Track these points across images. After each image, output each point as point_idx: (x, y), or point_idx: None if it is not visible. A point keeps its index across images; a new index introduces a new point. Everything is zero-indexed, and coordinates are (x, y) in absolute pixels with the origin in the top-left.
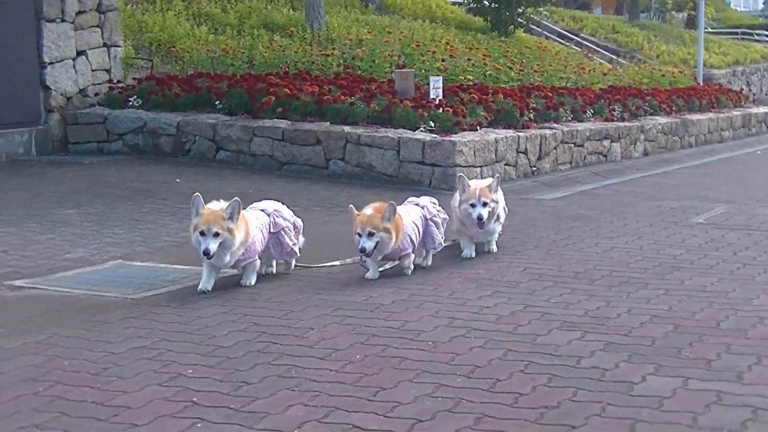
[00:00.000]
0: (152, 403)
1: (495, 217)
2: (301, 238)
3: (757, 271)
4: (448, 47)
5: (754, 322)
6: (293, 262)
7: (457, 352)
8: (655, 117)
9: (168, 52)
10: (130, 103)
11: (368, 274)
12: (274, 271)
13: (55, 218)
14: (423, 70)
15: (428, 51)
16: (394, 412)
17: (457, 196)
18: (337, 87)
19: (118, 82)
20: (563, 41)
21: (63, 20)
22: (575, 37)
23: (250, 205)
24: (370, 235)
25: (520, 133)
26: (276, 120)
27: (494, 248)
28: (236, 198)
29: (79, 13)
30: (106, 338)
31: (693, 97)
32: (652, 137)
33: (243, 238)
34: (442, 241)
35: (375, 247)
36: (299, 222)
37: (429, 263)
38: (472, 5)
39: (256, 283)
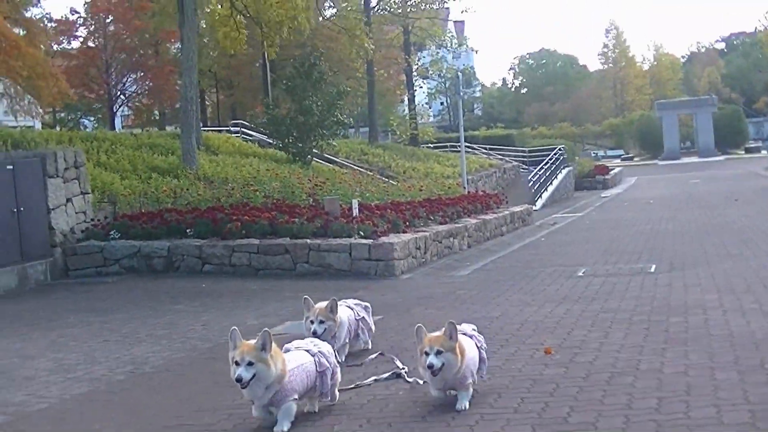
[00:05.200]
0: None
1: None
2: (338, 376)
3: (653, 289)
4: (305, 177)
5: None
6: (337, 394)
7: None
8: (467, 218)
9: (115, 196)
10: (111, 235)
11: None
12: (316, 409)
13: (176, 310)
14: (335, 195)
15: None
16: None
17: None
18: (281, 212)
19: (97, 220)
20: (329, 164)
21: (57, 176)
22: (336, 159)
23: (288, 344)
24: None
25: (416, 235)
26: (247, 239)
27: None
28: (265, 329)
29: (65, 169)
30: None
31: (476, 202)
32: (470, 234)
33: (279, 372)
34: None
35: None
36: (338, 371)
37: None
38: (271, 141)
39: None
